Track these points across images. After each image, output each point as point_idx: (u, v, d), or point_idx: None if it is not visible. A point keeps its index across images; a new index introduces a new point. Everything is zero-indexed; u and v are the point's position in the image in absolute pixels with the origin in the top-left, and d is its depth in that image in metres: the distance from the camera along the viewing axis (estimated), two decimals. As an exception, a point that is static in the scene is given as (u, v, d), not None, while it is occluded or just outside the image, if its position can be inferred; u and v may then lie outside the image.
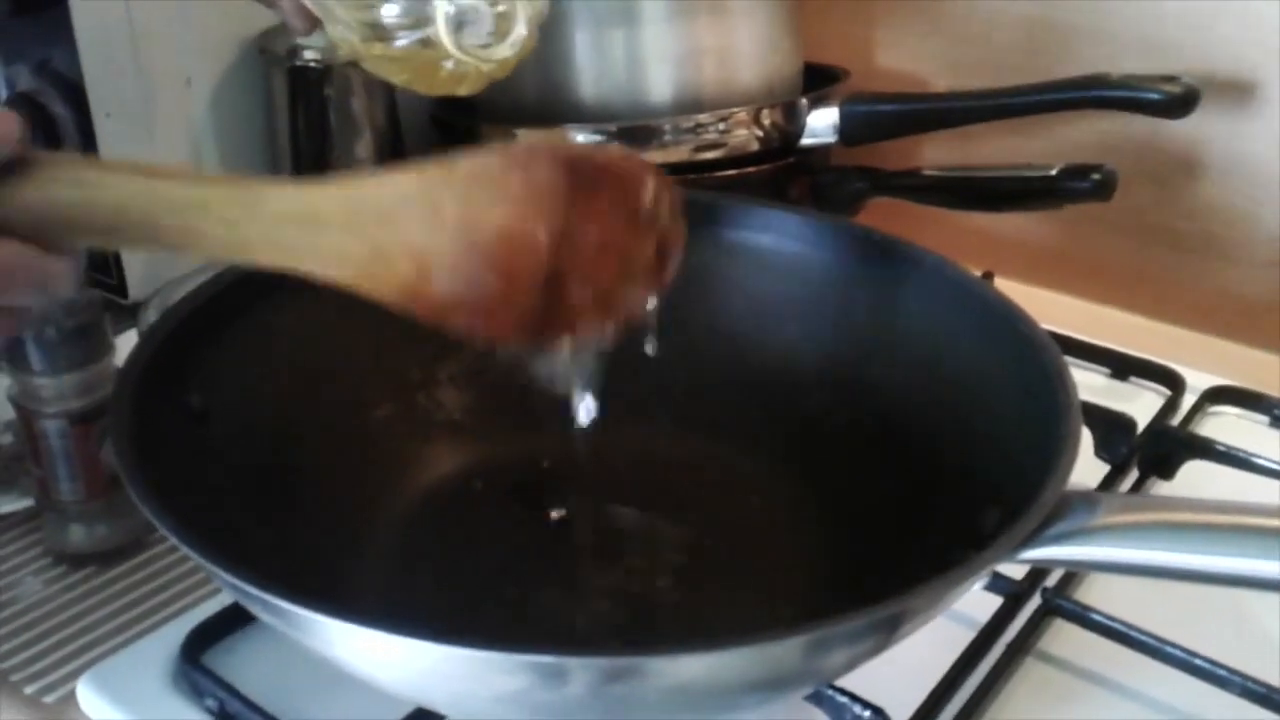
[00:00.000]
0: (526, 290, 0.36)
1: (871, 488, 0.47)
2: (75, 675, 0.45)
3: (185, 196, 0.33)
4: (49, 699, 0.46)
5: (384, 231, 0.35)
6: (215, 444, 0.43)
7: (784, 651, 0.32)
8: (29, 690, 0.46)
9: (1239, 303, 0.69)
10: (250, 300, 0.46)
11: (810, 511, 0.49)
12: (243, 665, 0.44)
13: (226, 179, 0.35)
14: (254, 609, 0.35)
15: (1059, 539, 0.35)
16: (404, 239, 0.35)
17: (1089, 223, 0.72)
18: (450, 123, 0.72)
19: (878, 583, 0.39)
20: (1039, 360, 0.42)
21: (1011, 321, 0.44)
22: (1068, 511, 0.35)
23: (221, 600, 0.46)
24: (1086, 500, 0.36)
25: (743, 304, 0.54)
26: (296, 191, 0.35)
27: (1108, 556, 0.35)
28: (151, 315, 0.50)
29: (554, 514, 0.50)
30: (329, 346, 0.49)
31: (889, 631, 0.33)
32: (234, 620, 0.46)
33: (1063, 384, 0.40)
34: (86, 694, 0.44)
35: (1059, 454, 0.36)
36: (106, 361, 0.51)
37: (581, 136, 0.64)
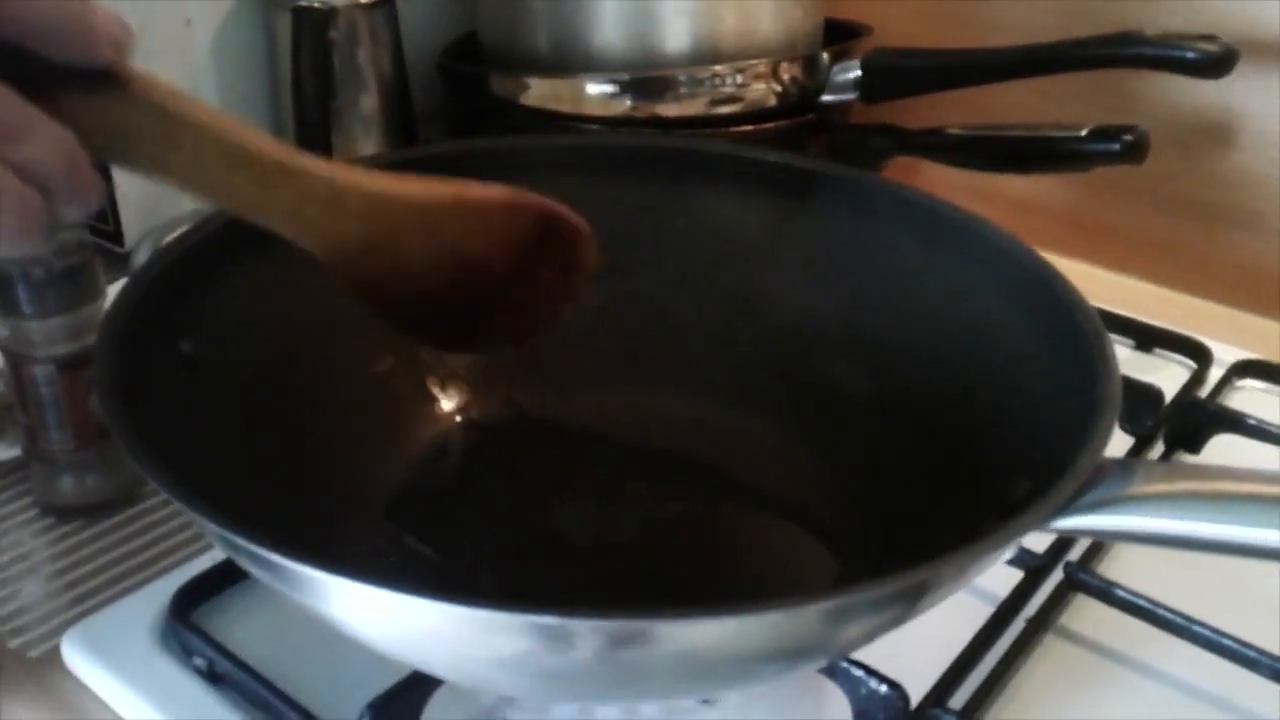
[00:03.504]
0: (460, 309, 0.42)
1: (896, 456, 0.45)
2: (61, 630, 0.44)
3: (240, 152, 0.34)
4: (34, 654, 0.45)
5: (385, 234, 0.38)
6: (207, 393, 0.41)
7: (802, 620, 0.30)
8: (14, 644, 0.45)
9: (1267, 275, 0.68)
10: (246, 244, 0.44)
11: (832, 479, 0.47)
12: (234, 624, 0.43)
13: (275, 142, 0.35)
14: (245, 564, 0.33)
15: (1093, 508, 0.33)
16: (395, 244, 0.39)
17: (1115, 190, 0.71)
18: (459, 71, 0.70)
19: (901, 552, 0.38)
20: (1075, 323, 0.40)
21: (1047, 283, 0.42)
22: (1102, 480, 0.33)
23: (213, 556, 0.45)
24: (1122, 468, 0.34)
25: (757, 262, 0.52)
26: (329, 169, 0.37)
27: (1143, 527, 0.33)
28: (142, 257, 0.49)
29: (561, 475, 0.49)
30: (329, 296, 0.47)
31: (913, 601, 0.32)
32: (225, 577, 0.45)
33: (1100, 347, 0.38)
34: (71, 650, 0.43)
35: (1096, 419, 0.34)
36: (97, 305, 0.49)
37: (593, 86, 0.62)
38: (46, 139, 0.29)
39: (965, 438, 0.43)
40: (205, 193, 0.35)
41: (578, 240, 0.43)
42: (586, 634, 0.29)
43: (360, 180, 0.37)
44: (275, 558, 0.30)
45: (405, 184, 0.39)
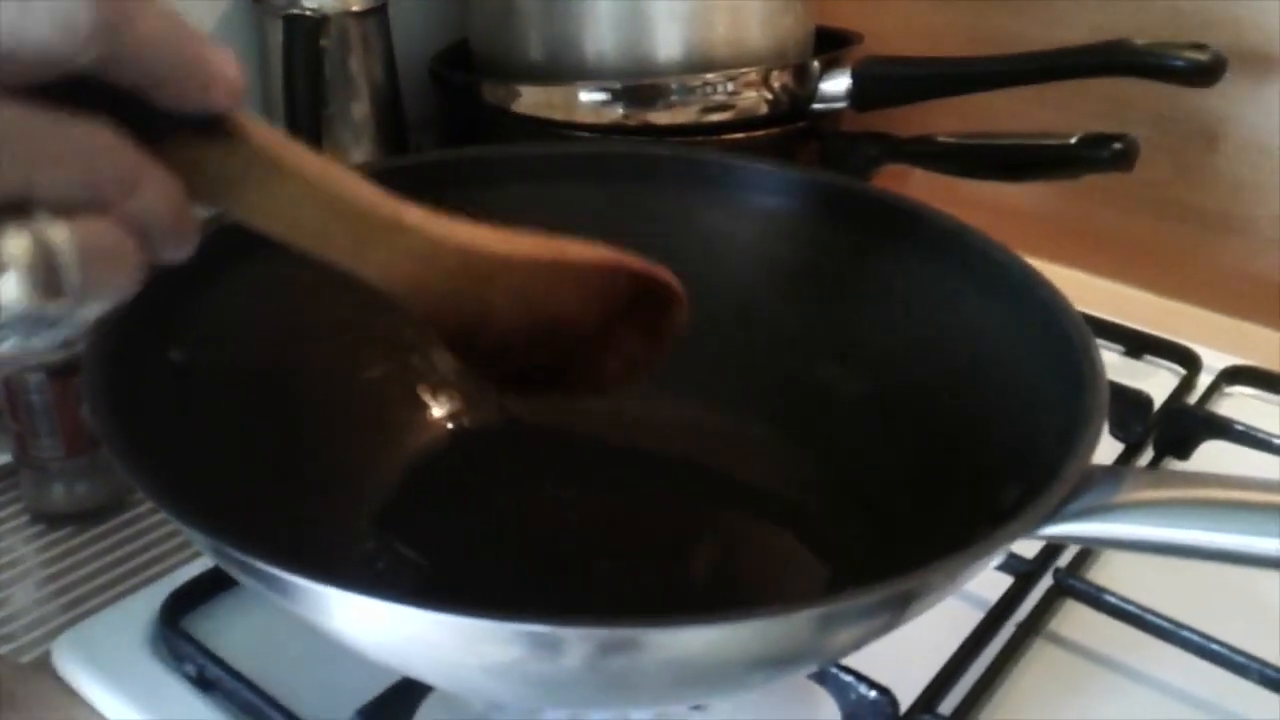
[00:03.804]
0: (535, 362, 0.42)
1: (887, 461, 0.45)
2: (52, 637, 0.44)
3: (340, 205, 0.33)
4: (25, 660, 0.45)
5: (476, 288, 0.38)
6: (197, 400, 0.41)
7: (791, 627, 0.30)
8: (4, 650, 0.45)
9: (1257, 282, 0.68)
10: (238, 252, 0.44)
11: (823, 484, 0.47)
12: (224, 631, 0.43)
13: (378, 193, 0.34)
14: (235, 573, 0.33)
15: (1081, 515, 0.33)
16: (486, 298, 0.38)
17: (1104, 197, 0.71)
18: (451, 79, 0.70)
19: (891, 557, 0.38)
20: (1062, 329, 0.40)
21: (1034, 290, 0.42)
22: (1090, 487, 0.34)
23: (203, 563, 0.45)
24: (1110, 475, 0.34)
25: (749, 269, 0.52)
26: (430, 224, 0.36)
27: (1131, 534, 0.33)
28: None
29: (552, 481, 0.49)
30: (320, 303, 0.47)
31: (902, 608, 0.32)
32: (216, 584, 0.44)
33: (1087, 353, 0.38)
34: (62, 656, 0.43)
35: (1084, 426, 0.35)
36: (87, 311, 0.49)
37: (585, 94, 0.62)
38: (157, 189, 0.28)
39: (955, 444, 0.43)
40: (300, 241, 0.34)
41: (672, 304, 0.42)
42: (576, 642, 0.29)
43: (460, 235, 0.37)
44: (263, 567, 0.30)
45: (506, 240, 0.38)
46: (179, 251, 0.30)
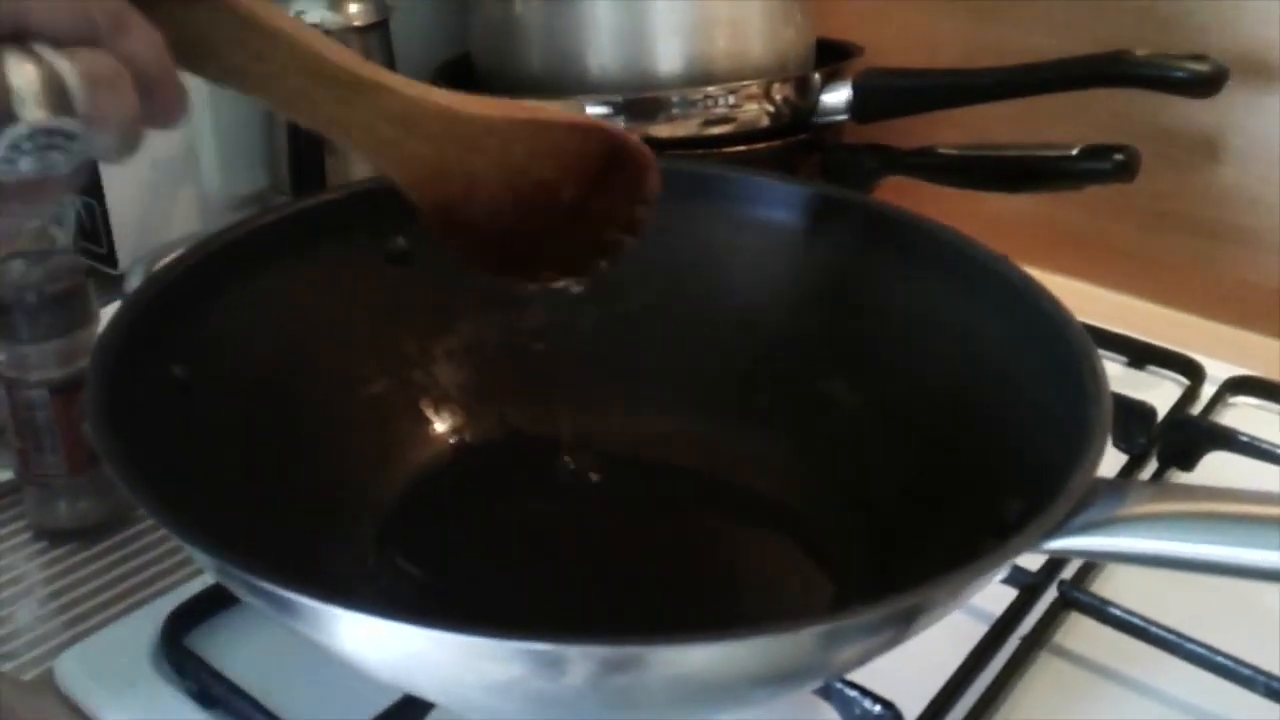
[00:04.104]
0: (530, 230, 0.42)
1: (888, 473, 0.45)
2: (54, 654, 0.44)
3: (322, 66, 0.34)
4: (27, 677, 0.45)
5: (459, 153, 0.39)
6: (199, 417, 0.41)
7: (796, 644, 0.30)
8: (7, 668, 0.45)
9: (1259, 292, 0.68)
10: (239, 268, 0.45)
11: (827, 497, 0.47)
12: (226, 647, 0.43)
13: (356, 57, 0.36)
14: (237, 590, 0.33)
15: (1085, 529, 0.33)
16: (470, 165, 0.39)
17: (1105, 207, 0.71)
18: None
19: (895, 570, 0.38)
20: (1065, 342, 0.40)
21: (1036, 302, 0.42)
22: (1094, 500, 0.33)
23: (205, 580, 0.45)
24: (1114, 489, 0.34)
25: (752, 282, 0.52)
26: (407, 87, 0.37)
27: (1136, 548, 0.33)
28: (135, 281, 0.49)
29: (554, 495, 0.49)
30: (321, 318, 0.48)
31: (907, 624, 0.32)
32: (218, 601, 0.44)
33: (1091, 368, 0.38)
34: (65, 673, 0.43)
35: (1088, 440, 0.34)
36: (90, 330, 0.49)
37: (587, 107, 0.63)
38: (142, 34, 0.29)
39: (957, 456, 0.43)
40: (284, 105, 0.35)
41: (643, 168, 0.42)
42: (579, 660, 0.29)
43: (436, 97, 0.37)
44: (266, 585, 0.30)
45: (480, 103, 0.39)
46: (170, 117, 0.31)
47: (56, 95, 0.28)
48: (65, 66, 0.28)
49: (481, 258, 0.43)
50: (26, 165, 0.28)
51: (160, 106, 0.30)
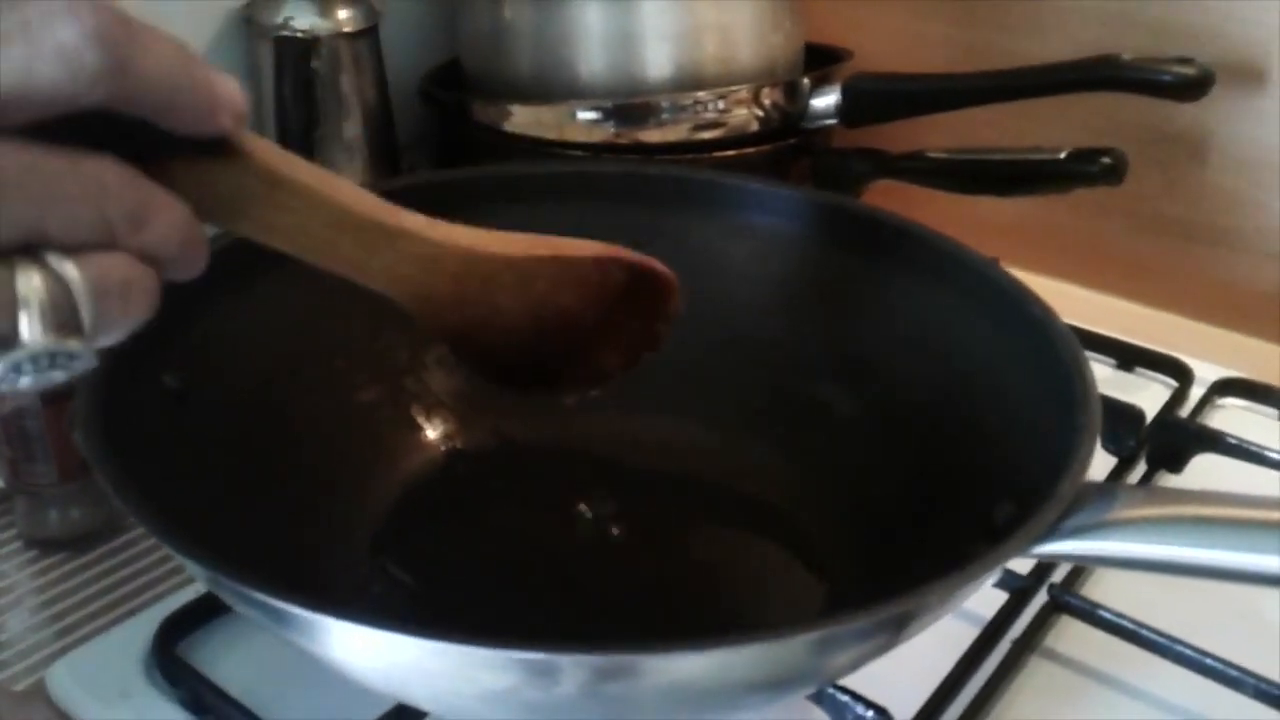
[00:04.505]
0: (549, 355, 0.43)
1: (878, 478, 0.45)
2: (46, 663, 0.44)
3: (347, 217, 0.34)
4: (19, 687, 0.45)
5: (479, 287, 0.38)
6: (190, 426, 0.41)
7: (787, 651, 0.30)
8: (-2, 679, 0.45)
9: (1247, 294, 0.68)
10: (231, 277, 0.44)
11: (818, 501, 0.47)
12: (218, 656, 0.43)
13: (378, 201, 0.35)
14: (229, 599, 0.33)
15: (1075, 533, 0.33)
16: (491, 298, 0.39)
17: (1095, 210, 0.71)
18: (442, 98, 0.70)
19: (886, 574, 0.38)
20: (1054, 347, 0.40)
21: (1025, 306, 0.43)
22: (1084, 504, 0.34)
23: (197, 589, 0.45)
24: (1103, 493, 0.34)
25: (743, 287, 0.52)
26: (431, 230, 0.36)
27: (1125, 552, 0.33)
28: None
29: (547, 502, 0.49)
30: (313, 327, 0.48)
31: (898, 629, 0.32)
32: (210, 610, 0.44)
33: (1079, 371, 0.38)
34: (56, 682, 0.43)
35: (1077, 444, 0.35)
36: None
37: (577, 113, 0.63)
38: (167, 217, 0.28)
39: (948, 460, 0.43)
40: (307, 254, 0.34)
41: (667, 292, 0.43)
42: (572, 669, 0.29)
43: (460, 237, 0.37)
44: (258, 595, 0.30)
45: (505, 240, 0.39)
46: (189, 274, 0.30)
47: (63, 313, 0.26)
48: (75, 278, 0.26)
49: (500, 378, 0.43)
50: (26, 383, 0.27)
51: (180, 272, 0.29)
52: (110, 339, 0.28)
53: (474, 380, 0.50)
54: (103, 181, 0.27)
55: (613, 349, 0.44)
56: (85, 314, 0.26)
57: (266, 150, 0.31)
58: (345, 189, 0.34)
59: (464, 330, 0.40)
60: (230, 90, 0.29)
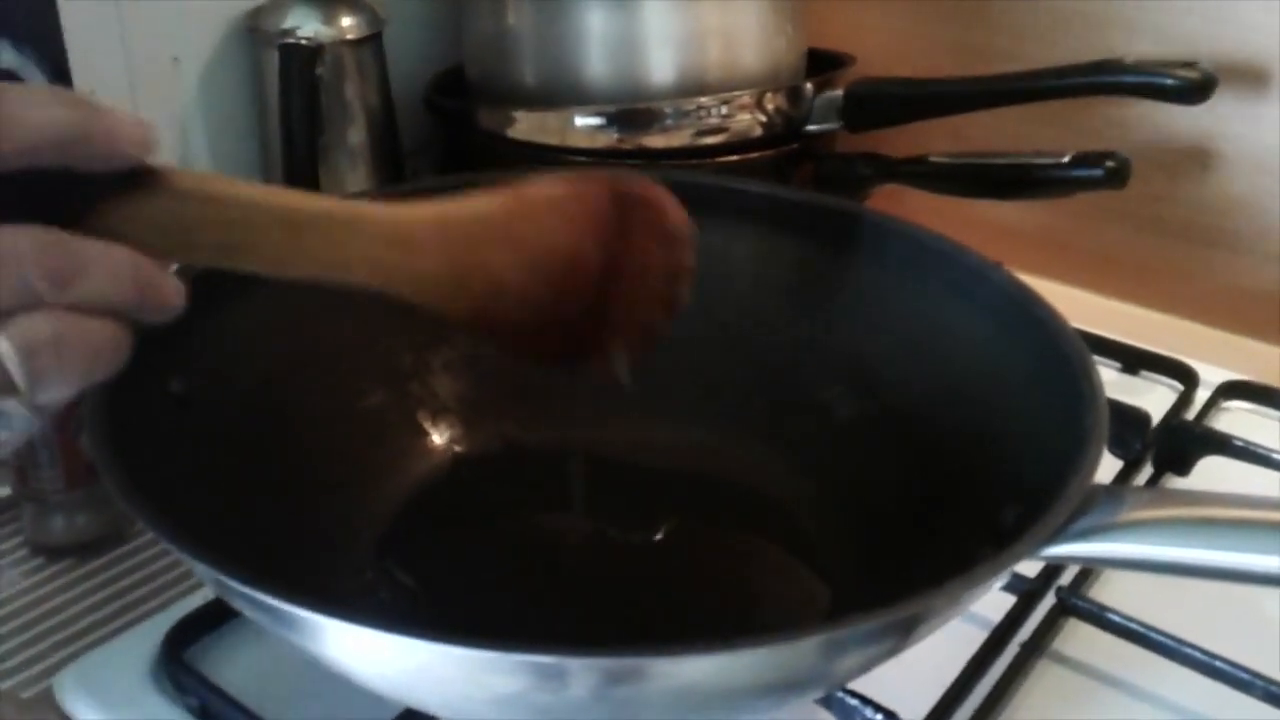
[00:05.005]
0: (575, 310, 0.40)
1: (885, 482, 0.46)
2: (53, 670, 0.44)
3: (298, 215, 0.33)
4: (27, 694, 0.45)
5: (468, 255, 0.37)
6: (197, 431, 0.41)
7: (796, 653, 0.30)
8: (5, 685, 0.45)
9: (1251, 297, 0.68)
10: (236, 282, 0.44)
11: (823, 505, 0.47)
12: (226, 662, 0.43)
13: (329, 197, 0.35)
14: (237, 604, 0.33)
15: (1083, 535, 0.33)
16: (484, 263, 0.37)
17: (1098, 214, 0.71)
18: (446, 105, 0.70)
19: (892, 578, 0.38)
20: (1060, 349, 0.40)
21: (1031, 309, 0.43)
22: (1091, 507, 0.34)
23: (205, 595, 0.45)
24: (1112, 495, 0.34)
25: (747, 291, 0.52)
26: (390, 211, 0.36)
27: (1133, 553, 0.33)
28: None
29: (553, 506, 0.49)
30: (318, 331, 0.48)
31: (907, 633, 0.32)
32: (218, 615, 0.44)
33: (1086, 374, 0.38)
34: (65, 690, 0.43)
35: (1085, 447, 0.35)
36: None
37: (580, 119, 0.63)
38: (102, 267, 0.29)
39: (954, 464, 0.43)
40: (278, 268, 0.33)
41: (657, 207, 0.40)
42: (581, 672, 0.29)
43: (420, 212, 0.36)
44: (267, 598, 0.30)
45: (462, 202, 0.38)
46: (162, 313, 0.31)
47: None
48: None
49: (539, 351, 0.41)
50: None
51: (149, 313, 0.30)
52: (58, 393, 0.28)
53: (480, 385, 0.51)
54: (18, 250, 0.27)
55: (642, 291, 0.41)
56: (16, 375, 0.27)
57: (194, 174, 0.31)
58: (288, 194, 0.34)
59: (478, 311, 0.38)
60: (127, 123, 0.29)
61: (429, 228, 0.36)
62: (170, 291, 0.31)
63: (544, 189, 0.39)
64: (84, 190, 0.29)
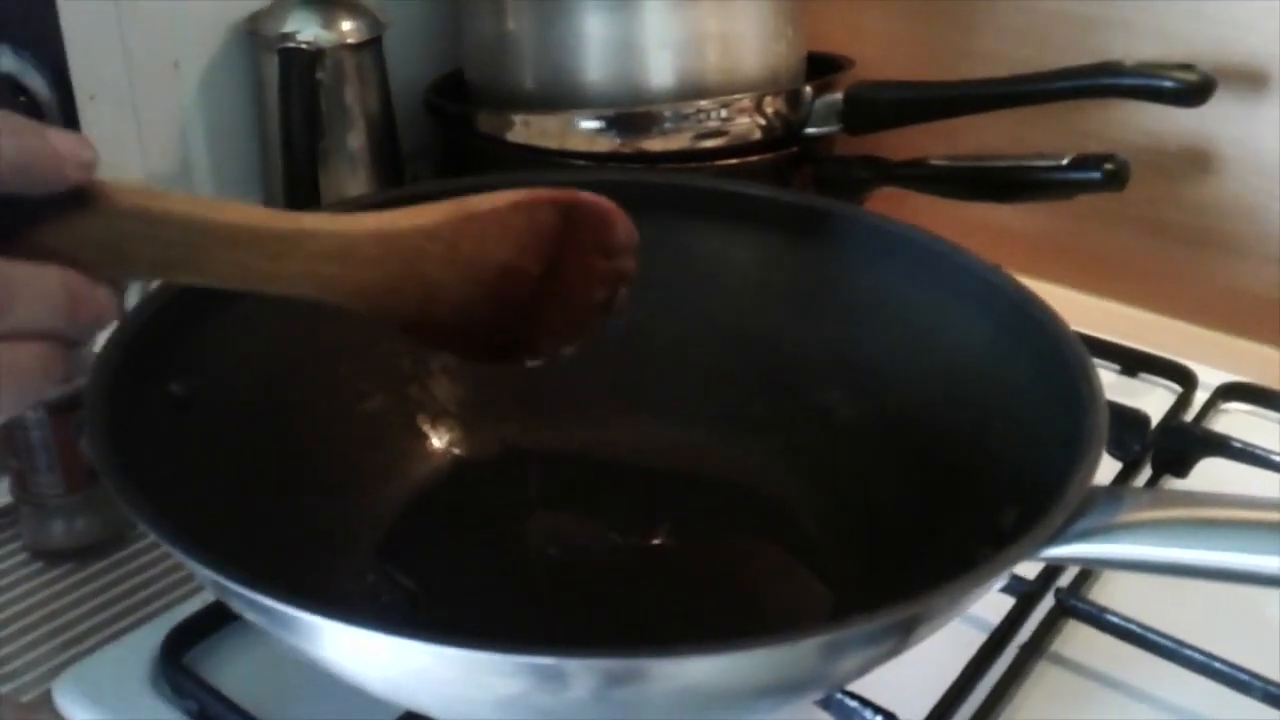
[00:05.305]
0: (510, 316, 0.41)
1: (886, 483, 0.46)
2: (52, 675, 0.44)
3: (236, 231, 0.33)
4: (25, 699, 0.45)
5: (406, 266, 0.38)
6: (197, 434, 0.41)
7: (796, 655, 0.30)
8: (5, 689, 0.45)
9: (1250, 299, 0.68)
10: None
11: (823, 507, 0.47)
12: (225, 666, 0.43)
13: (269, 211, 0.35)
14: (237, 606, 0.33)
15: (1082, 536, 0.33)
16: (422, 273, 0.38)
17: (1097, 216, 0.71)
18: (445, 109, 0.70)
19: (892, 580, 0.38)
20: (1059, 351, 0.40)
21: (1030, 311, 0.43)
22: (1091, 508, 0.34)
23: (204, 599, 0.45)
24: (1111, 496, 0.34)
25: (746, 293, 0.52)
26: (333, 224, 0.36)
27: (1133, 554, 0.33)
28: (131, 300, 0.49)
29: (552, 509, 0.49)
30: (318, 334, 0.47)
31: (906, 634, 0.32)
32: (217, 619, 0.44)
33: (1086, 376, 0.38)
34: (63, 694, 0.43)
35: (1085, 448, 0.35)
36: (86, 349, 0.49)
37: (579, 122, 0.63)
38: (33, 291, 0.29)
39: (954, 466, 0.43)
40: (218, 280, 0.34)
41: (605, 222, 0.41)
42: (582, 673, 0.29)
43: (364, 225, 0.36)
44: (266, 601, 0.30)
45: (408, 216, 0.38)
46: (96, 329, 0.31)
47: None
48: None
49: (472, 352, 0.42)
50: None
51: (83, 330, 0.30)
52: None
53: (479, 388, 0.51)
54: None
55: (581, 295, 0.42)
56: None
57: (133, 191, 0.31)
58: (231, 208, 0.33)
59: (415, 315, 0.39)
60: (69, 144, 0.29)
61: (370, 240, 0.36)
62: (102, 308, 0.31)
63: (488, 201, 0.39)
64: (18, 211, 0.29)
